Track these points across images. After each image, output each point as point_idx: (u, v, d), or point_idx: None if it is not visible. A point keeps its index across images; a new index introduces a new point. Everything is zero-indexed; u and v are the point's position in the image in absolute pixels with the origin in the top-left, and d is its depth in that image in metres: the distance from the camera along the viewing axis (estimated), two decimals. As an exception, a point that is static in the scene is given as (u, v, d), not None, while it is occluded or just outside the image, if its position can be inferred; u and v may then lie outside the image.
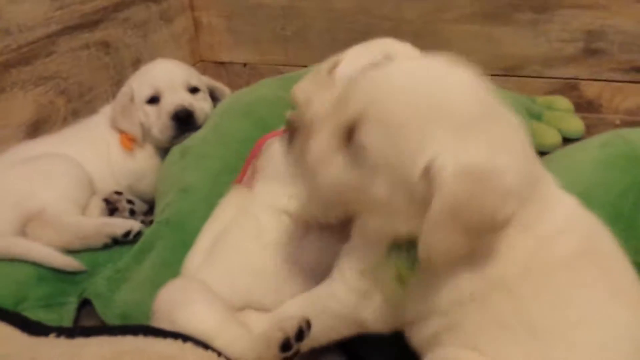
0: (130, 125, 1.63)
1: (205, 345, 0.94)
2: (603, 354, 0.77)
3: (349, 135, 0.80)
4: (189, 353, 0.91)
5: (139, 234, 1.43)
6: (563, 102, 2.09)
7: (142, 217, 1.57)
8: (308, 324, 0.92)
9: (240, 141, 1.46)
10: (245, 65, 2.49)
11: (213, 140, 1.50)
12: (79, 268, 1.36)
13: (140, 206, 1.63)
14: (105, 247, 1.42)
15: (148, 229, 1.41)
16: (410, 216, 0.78)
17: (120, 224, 1.43)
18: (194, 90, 1.70)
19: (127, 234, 1.42)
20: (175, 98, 1.63)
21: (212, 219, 1.21)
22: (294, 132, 0.86)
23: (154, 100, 1.65)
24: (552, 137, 1.92)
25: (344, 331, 0.98)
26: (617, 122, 2.08)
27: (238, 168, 1.35)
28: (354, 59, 1.10)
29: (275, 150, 1.15)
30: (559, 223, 0.82)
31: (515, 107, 1.83)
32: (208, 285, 1.05)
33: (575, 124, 1.99)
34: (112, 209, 1.53)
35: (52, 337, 0.97)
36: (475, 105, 0.78)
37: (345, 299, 0.93)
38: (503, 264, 0.80)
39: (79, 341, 0.95)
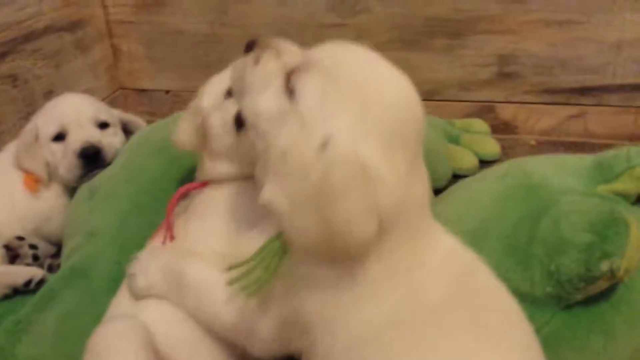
0: (35, 165, 1.55)
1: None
2: None
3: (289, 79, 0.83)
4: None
5: (41, 282, 1.35)
6: (480, 125, 2.14)
7: (49, 261, 1.49)
8: None
9: (151, 180, 1.40)
10: (167, 92, 2.44)
11: (122, 178, 1.43)
12: None
13: (45, 250, 1.55)
14: (5, 297, 1.34)
15: (52, 276, 1.33)
16: (295, 185, 0.77)
17: (21, 273, 1.35)
18: (103, 125, 1.63)
19: (29, 283, 1.34)
20: (82, 134, 1.56)
21: None
22: (254, 45, 0.90)
23: (59, 137, 1.57)
24: (469, 160, 1.96)
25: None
26: (533, 142, 2.14)
27: (149, 208, 1.31)
28: (213, 87, 1.19)
29: (208, 194, 1.18)
30: (434, 266, 0.81)
31: (434, 130, 1.89)
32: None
33: (491, 146, 2.03)
34: (12, 255, 1.45)
35: None
36: (407, 121, 0.79)
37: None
38: (371, 312, 0.78)
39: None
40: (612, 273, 0.94)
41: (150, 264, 1.07)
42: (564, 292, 0.98)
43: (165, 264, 1.05)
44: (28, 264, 1.46)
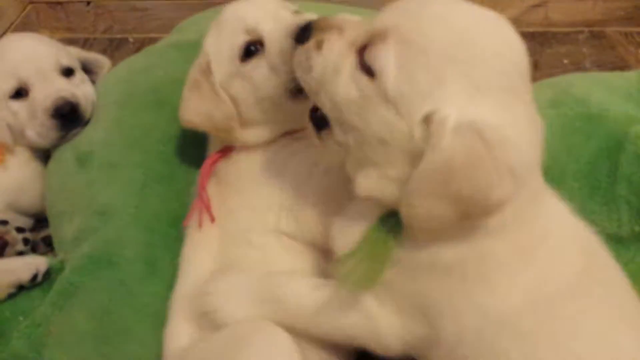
0: None
1: None
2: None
3: (363, 54, 0.72)
4: None
5: (46, 272, 1.17)
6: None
7: (29, 235, 1.28)
8: None
9: (159, 140, 1.20)
10: (88, 3, 2.09)
11: (120, 142, 1.21)
12: None
13: (25, 223, 1.32)
14: (8, 296, 1.15)
15: (67, 269, 1.13)
16: (402, 170, 0.70)
17: (23, 267, 1.15)
18: (68, 71, 1.34)
19: (34, 277, 1.15)
20: (49, 88, 1.28)
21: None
22: (309, 30, 0.80)
23: (19, 93, 1.29)
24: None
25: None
26: None
27: (165, 176, 1.14)
28: (223, 45, 1.03)
29: (241, 165, 1.04)
30: (561, 237, 0.77)
31: None
32: None
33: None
34: (0, 245, 1.22)
35: None
36: (513, 67, 0.70)
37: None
38: (504, 298, 0.74)
39: None
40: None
41: (233, 298, 0.90)
42: (653, 230, 1.00)
43: (254, 296, 0.90)
44: (21, 251, 1.24)
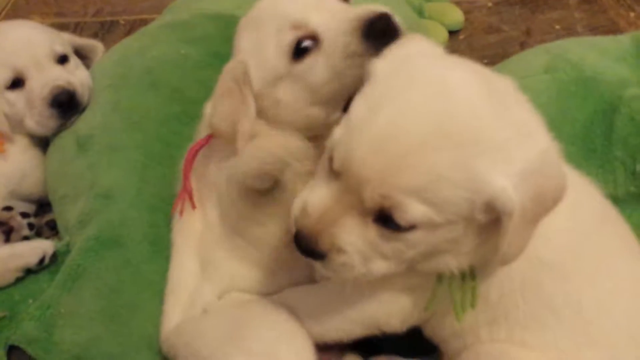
0: None
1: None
2: (637, 314, 0.82)
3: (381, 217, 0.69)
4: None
5: (53, 255, 1.19)
6: (440, -9, 2.06)
7: (33, 220, 1.30)
8: None
9: (158, 121, 1.20)
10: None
11: (119, 124, 1.22)
12: None
13: (29, 208, 1.33)
14: (17, 280, 1.17)
15: (73, 251, 1.15)
16: (473, 243, 0.72)
17: (30, 251, 1.17)
18: (62, 59, 1.34)
19: (42, 260, 1.17)
20: (45, 77, 1.28)
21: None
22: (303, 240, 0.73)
23: (16, 84, 1.28)
24: (440, 34, 1.92)
25: (354, 332, 0.92)
26: (489, 4, 2.11)
27: (165, 157, 1.15)
28: (263, 50, 0.91)
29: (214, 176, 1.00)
30: (579, 194, 0.81)
31: (399, 4, 1.80)
32: None
33: (455, 14, 2.01)
34: (6, 230, 1.23)
35: None
36: (492, 119, 0.68)
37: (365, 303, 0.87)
38: (552, 247, 0.79)
39: None
40: (698, 168, 0.97)
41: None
42: (647, 190, 1.02)
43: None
44: (26, 236, 1.26)
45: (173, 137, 1.19)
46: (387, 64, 0.73)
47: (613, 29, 1.96)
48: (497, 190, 0.65)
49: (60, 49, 1.34)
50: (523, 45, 1.92)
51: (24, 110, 1.29)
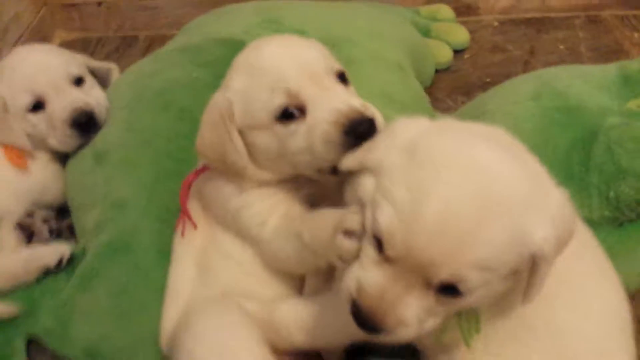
0: (13, 138, 1.37)
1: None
2: (608, 337, 0.88)
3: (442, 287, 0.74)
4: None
5: (70, 258, 1.28)
6: (446, 11, 2.14)
7: (53, 224, 1.40)
8: None
9: (168, 139, 1.29)
10: (100, 3, 2.17)
11: (133, 141, 1.32)
12: (14, 313, 1.22)
13: (49, 215, 1.44)
14: (37, 279, 1.26)
15: (88, 254, 1.25)
16: (504, 290, 0.78)
17: (49, 253, 1.26)
18: (78, 80, 1.43)
19: (60, 262, 1.26)
20: (64, 100, 1.37)
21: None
22: (365, 317, 0.77)
23: (37, 107, 1.38)
24: (445, 53, 1.98)
25: (345, 341, 0.99)
26: (495, 23, 2.18)
27: (174, 173, 1.23)
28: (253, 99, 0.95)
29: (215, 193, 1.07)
30: None
31: (404, 24, 1.86)
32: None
33: (461, 34, 2.06)
34: (28, 235, 1.34)
35: None
36: (522, 180, 0.75)
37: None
38: None
39: None
40: (667, 195, 1.03)
41: None
42: (620, 215, 1.08)
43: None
44: (46, 239, 1.36)
45: (182, 153, 1.27)
46: (398, 150, 0.78)
47: (617, 50, 2.01)
48: (540, 241, 0.72)
49: (75, 70, 1.43)
50: (526, 65, 1.98)
51: (47, 130, 1.38)
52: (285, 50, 0.95)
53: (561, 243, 0.76)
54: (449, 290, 0.73)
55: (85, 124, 1.36)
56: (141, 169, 1.28)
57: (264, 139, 0.96)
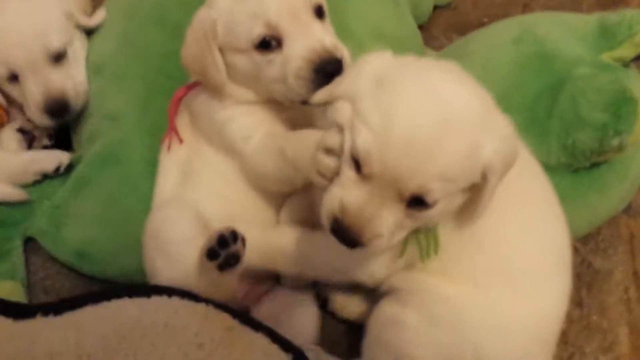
0: None
1: (191, 295, 1.03)
2: (547, 261, 1.00)
3: (411, 200, 0.85)
4: (181, 309, 1.00)
5: (69, 165, 1.37)
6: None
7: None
8: (233, 233, 0.99)
9: (161, 55, 1.33)
10: None
11: (127, 55, 1.36)
12: (25, 197, 1.34)
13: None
14: (35, 182, 1.37)
15: (81, 163, 1.34)
16: (459, 204, 0.90)
17: (49, 159, 1.36)
18: (58, 57, 1.34)
19: (58, 168, 1.36)
20: (40, 82, 1.32)
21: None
22: (343, 231, 0.87)
23: (12, 78, 1.34)
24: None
25: (332, 277, 1.11)
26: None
27: (168, 90, 1.27)
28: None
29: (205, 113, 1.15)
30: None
31: None
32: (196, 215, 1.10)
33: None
34: (29, 139, 1.42)
35: (39, 318, 0.99)
36: (480, 97, 0.88)
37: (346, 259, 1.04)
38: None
39: (69, 318, 0.98)
40: (620, 147, 1.10)
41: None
42: (575, 162, 1.15)
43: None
44: (45, 145, 1.44)
45: (174, 71, 1.29)
46: (368, 81, 0.88)
47: (620, 2, 1.99)
48: (491, 155, 0.84)
49: (56, 44, 1.33)
50: (525, 8, 1.96)
51: (24, 104, 1.37)
52: None
53: (508, 162, 0.87)
54: (417, 202, 0.84)
55: (58, 110, 1.35)
56: (134, 84, 1.34)
57: (242, 62, 1.05)
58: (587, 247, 1.40)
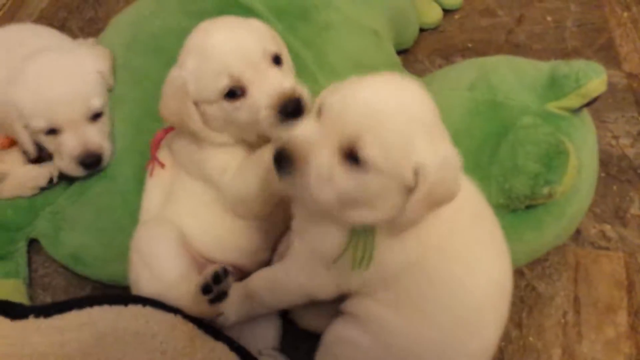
0: (22, 142, 1.45)
1: (162, 306, 1.19)
2: (488, 297, 1.09)
3: (348, 153, 0.95)
4: (151, 319, 1.16)
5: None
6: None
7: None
8: (225, 271, 1.15)
9: (155, 82, 1.40)
10: None
11: (127, 80, 1.50)
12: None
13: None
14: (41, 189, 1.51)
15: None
16: (393, 205, 0.99)
17: (40, 176, 1.48)
18: (97, 115, 1.44)
19: (51, 180, 1.49)
20: (78, 137, 1.40)
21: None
22: (284, 157, 0.97)
23: (51, 131, 1.41)
24: (434, 14, 2.08)
25: (297, 301, 1.22)
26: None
27: (157, 112, 1.34)
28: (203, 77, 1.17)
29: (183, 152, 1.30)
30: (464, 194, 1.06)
31: None
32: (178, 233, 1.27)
33: (454, -6, 2.13)
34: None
35: (31, 319, 1.15)
36: (433, 113, 0.99)
37: (296, 277, 1.17)
38: (438, 234, 1.06)
39: (56, 321, 1.15)
40: (550, 195, 1.22)
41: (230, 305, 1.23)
42: (512, 204, 1.27)
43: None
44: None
45: None
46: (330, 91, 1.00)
47: (601, 29, 2.08)
48: (424, 161, 0.93)
49: (97, 105, 1.43)
50: (509, 34, 2.07)
51: (57, 155, 1.44)
52: (229, 36, 1.16)
53: (442, 179, 0.94)
54: (352, 159, 0.93)
55: (92, 163, 1.43)
56: (130, 107, 1.49)
57: (213, 111, 1.19)
58: (533, 272, 1.53)
